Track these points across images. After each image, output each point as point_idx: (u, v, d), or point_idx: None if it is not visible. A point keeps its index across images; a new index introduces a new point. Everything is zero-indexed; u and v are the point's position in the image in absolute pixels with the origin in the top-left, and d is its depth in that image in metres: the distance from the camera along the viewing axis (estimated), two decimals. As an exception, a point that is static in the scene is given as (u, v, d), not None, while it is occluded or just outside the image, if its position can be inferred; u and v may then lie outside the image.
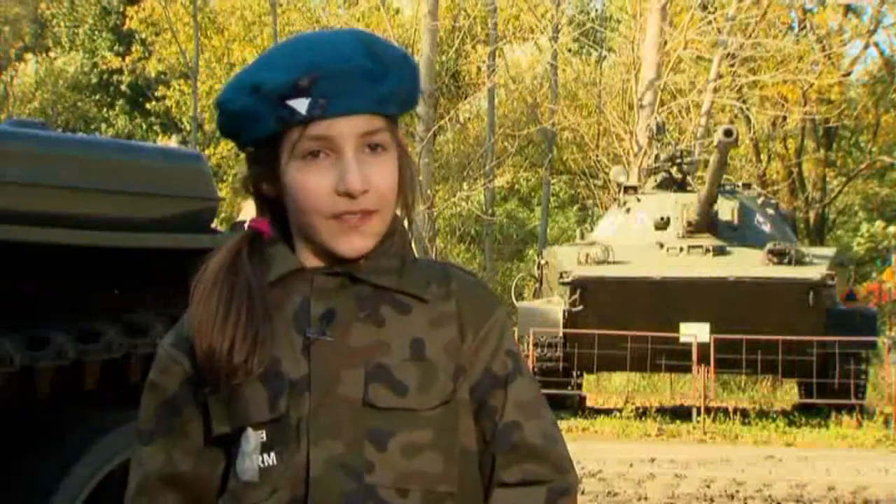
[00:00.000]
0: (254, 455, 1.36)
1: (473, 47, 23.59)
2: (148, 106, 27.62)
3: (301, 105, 1.34)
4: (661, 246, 12.82)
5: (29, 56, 28.84)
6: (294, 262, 1.41)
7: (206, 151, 22.82)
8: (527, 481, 1.40)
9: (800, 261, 12.18)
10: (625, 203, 13.95)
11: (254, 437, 1.36)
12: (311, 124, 1.34)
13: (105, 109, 28.78)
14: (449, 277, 1.45)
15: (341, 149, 1.35)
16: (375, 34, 1.43)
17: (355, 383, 1.36)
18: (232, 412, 1.38)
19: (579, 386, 13.60)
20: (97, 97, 28.99)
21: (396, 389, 1.36)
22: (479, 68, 23.93)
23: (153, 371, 1.46)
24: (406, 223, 1.46)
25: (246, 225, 1.47)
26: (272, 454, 1.35)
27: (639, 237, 13.15)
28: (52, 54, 28.93)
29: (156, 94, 26.94)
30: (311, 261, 1.42)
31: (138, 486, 1.44)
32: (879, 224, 26.77)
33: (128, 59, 27.27)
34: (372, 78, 1.35)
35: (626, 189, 14.29)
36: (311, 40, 1.39)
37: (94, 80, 28.81)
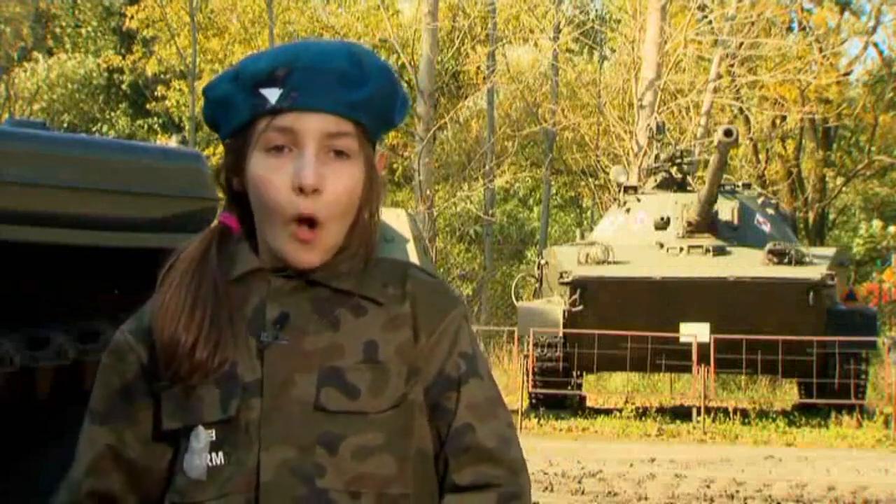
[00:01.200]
0: (203, 453, 1.36)
1: (473, 48, 23.59)
2: (148, 106, 27.62)
3: (272, 94, 1.35)
4: (662, 246, 12.82)
5: (37, 55, 28.81)
6: (254, 262, 1.42)
7: (206, 152, 22.82)
8: (479, 484, 1.40)
9: (800, 261, 12.18)
10: (625, 203, 13.95)
11: (204, 436, 1.36)
12: (279, 115, 1.35)
13: (107, 111, 28.79)
14: (406, 279, 1.44)
15: (303, 144, 1.35)
16: (368, 49, 1.44)
17: (308, 387, 1.35)
18: (184, 409, 1.38)
19: (579, 386, 13.60)
20: (100, 98, 29.00)
21: (348, 392, 1.36)
22: (478, 68, 23.94)
23: (108, 354, 1.45)
24: (370, 228, 1.44)
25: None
26: (220, 454, 1.35)
27: (639, 237, 13.15)
28: (61, 56, 28.91)
29: (155, 93, 26.94)
30: (271, 260, 1.42)
31: (88, 466, 1.44)
32: (878, 224, 26.78)
33: (128, 58, 27.28)
34: (348, 82, 1.36)
35: (626, 189, 14.29)
36: (303, 42, 1.42)
37: (98, 82, 28.80)
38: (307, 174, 1.33)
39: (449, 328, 1.43)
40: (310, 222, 1.35)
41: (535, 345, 12.56)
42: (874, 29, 26.45)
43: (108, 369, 1.45)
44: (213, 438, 1.36)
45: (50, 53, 29.30)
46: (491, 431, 1.41)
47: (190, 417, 1.37)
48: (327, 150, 1.36)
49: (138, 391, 1.42)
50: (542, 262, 14.26)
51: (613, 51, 27.58)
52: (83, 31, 29.60)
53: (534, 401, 12.98)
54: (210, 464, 1.36)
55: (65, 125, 26.01)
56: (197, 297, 1.38)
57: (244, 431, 1.35)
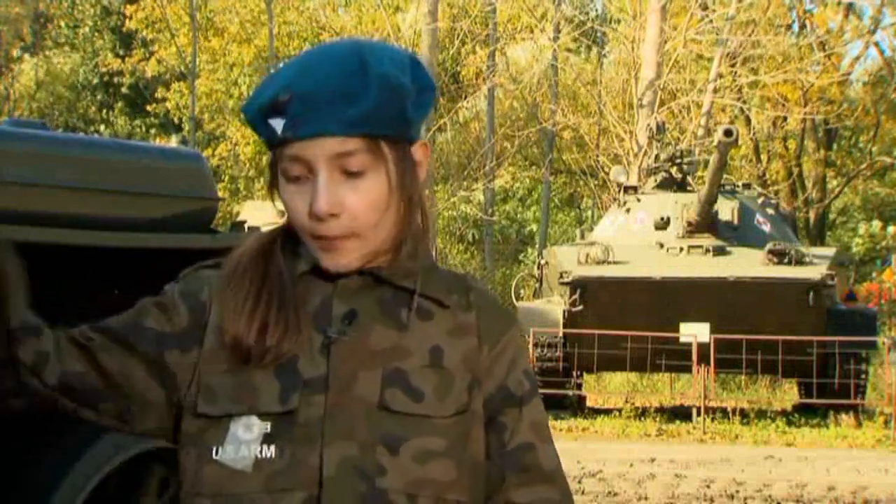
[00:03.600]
0: (252, 445, 1.34)
1: (473, 49, 23.58)
2: (148, 108, 27.63)
3: (278, 125, 1.35)
4: (661, 246, 12.82)
5: (26, 57, 28.84)
6: (318, 260, 1.42)
7: (206, 152, 22.81)
8: None
9: (800, 261, 12.18)
10: (625, 203, 13.95)
11: (258, 427, 1.35)
12: (287, 144, 1.35)
13: (105, 111, 28.77)
14: (469, 289, 1.46)
15: (316, 170, 1.35)
16: (380, 45, 1.42)
17: (372, 385, 1.36)
18: (234, 396, 1.36)
19: (579, 386, 13.60)
20: (97, 97, 28.98)
21: (412, 395, 1.36)
22: (479, 70, 23.92)
23: (152, 302, 1.46)
24: (422, 230, 1.45)
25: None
26: (272, 447, 1.34)
27: (639, 237, 13.15)
28: (49, 53, 28.91)
29: (156, 95, 26.92)
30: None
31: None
32: (878, 224, 26.78)
33: (128, 60, 27.26)
34: (344, 100, 1.33)
35: (626, 189, 14.29)
36: (308, 57, 1.39)
37: (95, 81, 28.80)
38: (319, 203, 1.34)
39: (510, 344, 1.45)
40: (335, 238, 1.37)
41: (535, 345, 12.56)
42: (875, 29, 26.44)
43: (144, 310, 1.45)
44: (268, 430, 1.34)
45: (46, 54, 29.29)
46: (550, 453, 1.45)
47: (238, 407, 1.36)
48: (341, 169, 1.35)
49: (157, 347, 1.41)
50: (542, 262, 14.26)
51: (612, 48, 27.58)
52: (81, 31, 29.57)
53: (534, 401, 12.95)
54: (259, 455, 1.34)
55: (60, 126, 25.98)
56: (263, 284, 1.39)
57: (303, 427, 1.34)
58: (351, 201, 1.35)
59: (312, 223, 1.35)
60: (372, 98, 1.34)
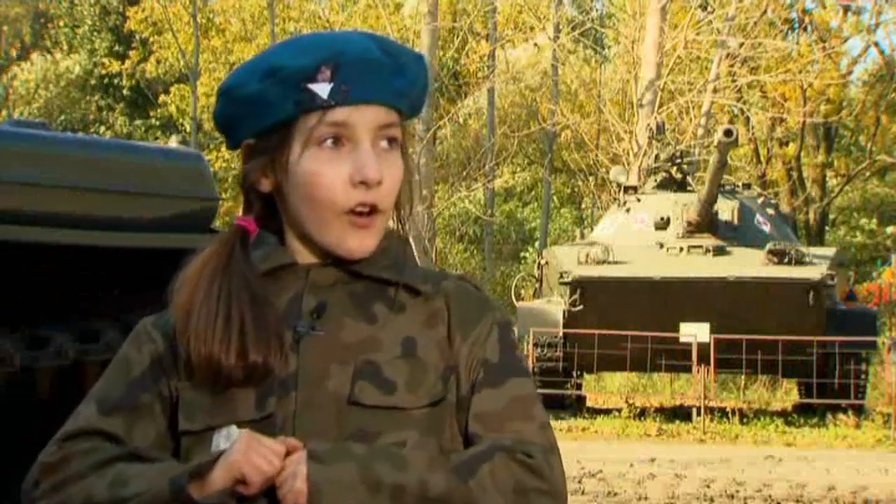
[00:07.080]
0: None
1: (477, 44, 23.56)
2: (152, 113, 27.62)
3: (323, 90, 1.33)
4: (661, 246, 12.81)
5: (34, 56, 28.82)
6: (286, 257, 1.39)
7: (209, 154, 22.80)
8: None
9: (800, 261, 12.18)
10: (625, 203, 13.94)
11: (237, 434, 1.32)
12: (331, 110, 1.33)
13: (104, 111, 28.75)
14: (441, 278, 1.44)
15: (358, 138, 1.34)
16: (386, 37, 1.43)
17: (343, 380, 1.33)
18: (209, 410, 1.34)
19: (579, 386, 13.60)
20: (97, 97, 28.97)
21: (384, 387, 1.33)
22: (479, 68, 23.91)
23: (128, 345, 1.42)
24: (403, 223, 1.44)
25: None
26: None
27: (639, 237, 13.14)
28: (56, 55, 28.90)
29: (158, 99, 26.90)
30: (303, 257, 1.40)
31: (79, 430, 1.36)
32: (877, 223, 26.77)
33: (128, 62, 27.25)
34: (390, 71, 1.35)
35: (626, 189, 14.29)
36: (328, 33, 1.40)
37: (94, 82, 28.79)
38: (371, 169, 1.33)
39: (485, 330, 1.41)
40: (371, 209, 1.35)
41: (535, 345, 12.55)
42: (875, 27, 26.40)
43: (127, 360, 1.40)
44: None
45: (50, 54, 29.29)
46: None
47: (217, 419, 1.34)
48: (378, 139, 1.36)
49: (154, 381, 1.38)
50: (542, 261, 14.25)
51: (611, 47, 27.54)
52: (80, 30, 29.56)
53: (534, 401, 12.94)
54: None
55: (60, 126, 25.97)
56: (230, 304, 1.34)
57: (280, 427, 1.32)
58: (388, 172, 1.36)
59: (353, 192, 1.34)
60: (411, 73, 1.38)
